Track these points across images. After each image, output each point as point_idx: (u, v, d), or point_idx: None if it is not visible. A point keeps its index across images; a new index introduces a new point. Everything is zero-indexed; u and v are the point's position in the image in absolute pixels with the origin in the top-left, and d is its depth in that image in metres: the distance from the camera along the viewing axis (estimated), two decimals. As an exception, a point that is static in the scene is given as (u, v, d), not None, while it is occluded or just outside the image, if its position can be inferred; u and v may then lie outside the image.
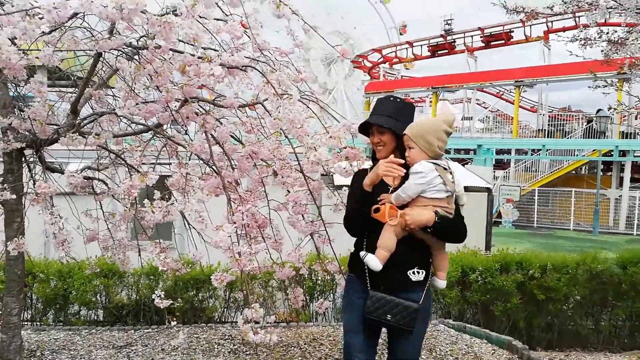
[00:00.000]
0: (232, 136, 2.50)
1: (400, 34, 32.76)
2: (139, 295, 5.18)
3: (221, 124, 2.38)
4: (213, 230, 2.16)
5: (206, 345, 3.93)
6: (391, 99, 2.15)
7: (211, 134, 2.32)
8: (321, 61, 32.04)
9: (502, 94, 28.36)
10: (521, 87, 21.23)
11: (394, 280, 2.01)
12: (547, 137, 21.07)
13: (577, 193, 18.05)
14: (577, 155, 18.09)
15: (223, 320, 5.07)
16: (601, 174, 17.85)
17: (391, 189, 2.06)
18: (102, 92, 2.41)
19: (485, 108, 29.53)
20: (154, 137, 2.74)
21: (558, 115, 24.19)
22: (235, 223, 2.17)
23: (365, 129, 2.18)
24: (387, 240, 1.94)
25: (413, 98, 28.87)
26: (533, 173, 19.91)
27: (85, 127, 2.63)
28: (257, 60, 2.36)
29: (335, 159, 2.35)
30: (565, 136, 20.81)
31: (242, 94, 2.55)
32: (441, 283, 2.09)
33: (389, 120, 2.05)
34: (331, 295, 4.97)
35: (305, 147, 2.06)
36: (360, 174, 2.18)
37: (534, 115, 26.35)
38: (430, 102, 25.00)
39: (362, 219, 2.07)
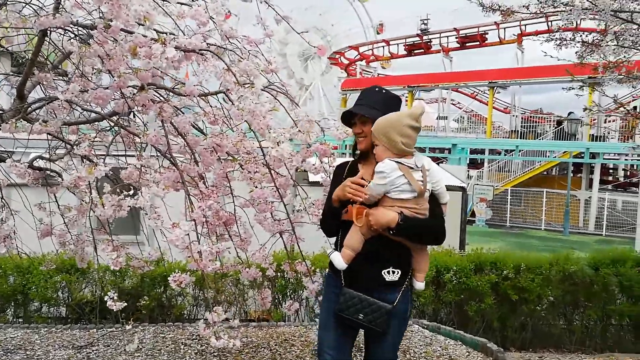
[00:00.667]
0: (193, 126, 2.33)
1: (378, 33, 32.77)
2: (103, 292, 4.96)
3: (182, 113, 2.21)
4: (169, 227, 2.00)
5: (172, 346, 3.75)
6: (376, 89, 2.04)
7: (171, 124, 2.15)
8: (298, 57, 31.83)
9: (477, 95, 28.67)
10: (495, 88, 21.48)
11: (368, 279, 1.93)
12: (520, 138, 21.38)
13: (549, 193, 18.36)
14: (548, 156, 18.38)
15: (192, 318, 4.89)
16: (571, 175, 18.20)
17: (366, 184, 1.95)
18: (49, 75, 2.21)
19: (460, 108, 29.85)
20: (111, 127, 2.55)
21: (530, 117, 24.57)
22: (194, 220, 2.02)
23: (347, 119, 2.10)
24: (352, 239, 1.88)
25: (389, 96, 28.99)
26: (506, 173, 20.17)
27: (35, 114, 2.42)
28: (224, 49, 2.20)
29: (304, 154, 2.22)
30: (537, 137, 21.15)
31: (207, 84, 2.39)
32: (419, 285, 1.99)
33: (371, 111, 1.95)
34: (303, 294, 4.84)
35: (267, 141, 1.92)
36: (340, 171, 2.12)
37: (506, 117, 26.74)
38: (406, 101, 25.09)
39: (336, 222, 2.04)
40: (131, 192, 2.16)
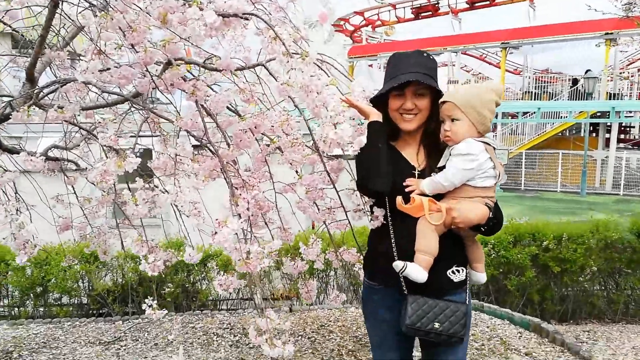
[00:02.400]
0: (228, 107, 2.05)
1: (382, -3, 31.74)
2: (124, 280, 4.80)
3: (214, 91, 1.93)
4: (213, 223, 1.75)
5: (204, 337, 3.57)
6: (424, 54, 1.67)
7: (202, 105, 1.87)
8: (302, 25, 30.95)
9: (485, 57, 27.88)
10: (507, 49, 20.77)
11: (434, 283, 1.57)
12: (533, 99, 20.80)
13: (564, 155, 17.96)
14: (565, 117, 17.85)
15: (218, 304, 4.72)
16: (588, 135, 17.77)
17: (417, 171, 1.64)
18: (62, 54, 1.93)
19: (468, 72, 29.11)
20: (132, 110, 2.28)
21: (541, 77, 23.90)
22: (239, 215, 1.76)
23: (381, 96, 1.68)
24: (430, 242, 1.52)
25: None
26: (519, 136, 19.72)
27: (47, 98, 2.15)
28: (255, 15, 1.90)
29: (355, 133, 1.92)
30: (550, 98, 20.56)
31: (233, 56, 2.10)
32: (481, 277, 1.69)
33: (431, 81, 1.59)
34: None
35: (322, 122, 1.63)
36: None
37: (516, 78, 26.02)
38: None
39: (380, 170, 1.57)
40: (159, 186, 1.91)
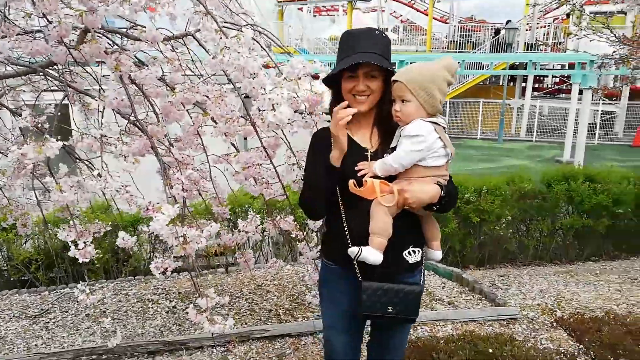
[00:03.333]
0: (161, 80, 1.93)
1: None
2: (48, 245, 4.57)
3: (141, 64, 1.81)
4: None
5: (138, 305, 3.53)
6: (377, 32, 1.64)
7: (130, 79, 1.75)
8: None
9: (414, 4, 27.97)
10: (435, -4, 20.96)
11: (389, 265, 1.58)
12: (458, 48, 21.36)
13: (485, 104, 18.83)
14: (489, 67, 18.51)
15: (149, 270, 4.63)
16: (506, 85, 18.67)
17: (370, 153, 1.65)
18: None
19: (397, 18, 29.11)
20: (49, 84, 2.09)
21: (466, 26, 24.44)
22: (174, 197, 1.72)
23: (333, 76, 1.65)
24: (382, 222, 1.53)
25: (324, 6, 27.67)
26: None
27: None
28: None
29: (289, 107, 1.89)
30: (474, 47, 21.21)
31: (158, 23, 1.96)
32: (438, 254, 1.74)
33: (385, 62, 1.57)
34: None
35: (261, 105, 1.59)
36: (321, 135, 1.72)
37: (442, 26, 26.45)
38: (345, 11, 24.03)
39: (324, 200, 1.67)
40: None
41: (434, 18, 24.08)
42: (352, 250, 1.54)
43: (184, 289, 3.78)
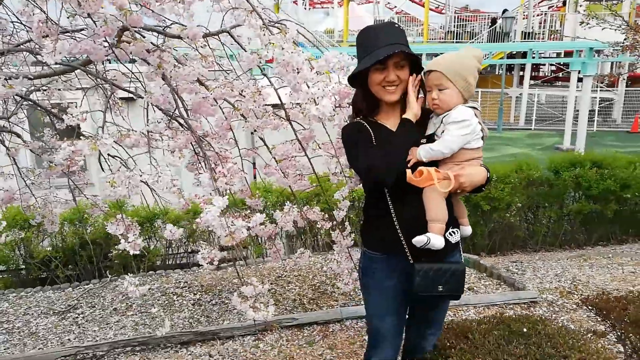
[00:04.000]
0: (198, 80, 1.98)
1: None
2: (65, 244, 4.63)
3: (180, 63, 1.86)
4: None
5: (163, 298, 3.59)
6: (396, 25, 1.73)
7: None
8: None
9: (409, -6, 27.93)
10: (431, -14, 20.96)
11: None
12: (455, 39, 21.38)
13: (483, 93, 18.90)
14: (486, 57, 18.59)
15: (167, 265, 4.70)
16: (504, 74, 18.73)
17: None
18: None
19: (391, 9, 29.09)
20: (95, 85, 2.13)
21: (462, 16, 24.45)
22: (217, 189, 1.78)
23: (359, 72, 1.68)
24: (440, 209, 1.60)
25: (318, -1, 27.63)
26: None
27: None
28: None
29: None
30: (471, 37, 21.24)
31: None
32: (468, 229, 1.84)
33: (412, 52, 1.64)
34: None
35: (302, 99, 1.65)
36: (356, 128, 1.73)
37: (437, 16, 26.44)
38: (340, 3, 24.00)
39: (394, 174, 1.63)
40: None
41: (430, 9, 24.09)
42: (420, 240, 1.58)
43: (206, 282, 3.85)
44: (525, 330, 1.93)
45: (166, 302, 3.53)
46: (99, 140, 1.59)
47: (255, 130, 2.07)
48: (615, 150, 6.13)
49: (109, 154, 2.53)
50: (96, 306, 3.54)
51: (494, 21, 20.13)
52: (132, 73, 2.01)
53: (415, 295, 1.69)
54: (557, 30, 20.04)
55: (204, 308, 3.37)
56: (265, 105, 2.00)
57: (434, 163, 1.68)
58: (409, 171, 1.62)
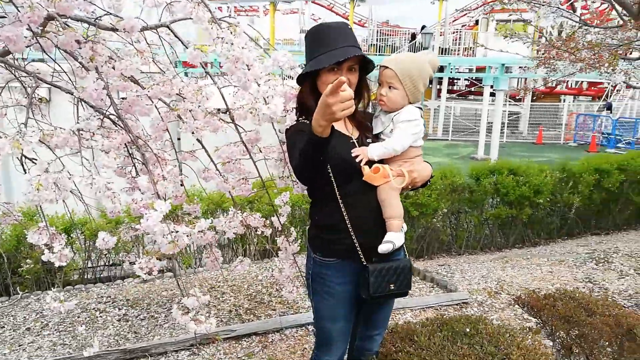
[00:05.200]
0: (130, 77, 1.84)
1: None
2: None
3: (117, 56, 1.71)
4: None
5: (84, 315, 3.30)
6: (348, 26, 1.72)
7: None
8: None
9: (333, 7, 28.58)
10: (355, 1, 21.56)
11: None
12: (378, 52, 22.11)
13: (404, 105, 19.67)
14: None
15: (86, 279, 4.35)
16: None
17: (354, 139, 1.68)
18: None
19: (315, 20, 29.60)
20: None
21: (383, 30, 25.38)
22: (157, 194, 1.67)
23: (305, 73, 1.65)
24: (399, 205, 1.64)
25: (243, 7, 27.43)
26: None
27: None
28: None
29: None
30: (393, 51, 22.08)
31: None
32: (405, 227, 1.77)
33: (367, 56, 1.65)
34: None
35: (253, 97, 1.58)
36: (298, 128, 1.67)
37: (359, 29, 27.26)
38: (265, 12, 23.97)
39: (319, 167, 1.57)
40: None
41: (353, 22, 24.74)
42: (386, 248, 1.59)
43: (132, 296, 3.60)
44: (467, 330, 1.98)
45: (87, 319, 3.24)
46: (22, 138, 1.42)
47: (193, 133, 1.96)
48: (523, 160, 6.61)
49: (24, 156, 2.29)
50: (6, 326, 3.18)
51: (413, 36, 21.09)
52: (55, 70, 1.82)
53: (366, 297, 1.67)
54: (474, 45, 21.39)
55: (131, 324, 3.14)
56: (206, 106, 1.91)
57: (380, 162, 1.69)
58: (366, 168, 1.62)
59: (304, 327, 2.95)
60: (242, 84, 1.57)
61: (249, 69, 1.53)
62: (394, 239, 1.62)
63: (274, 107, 1.56)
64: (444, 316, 2.23)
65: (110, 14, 1.73)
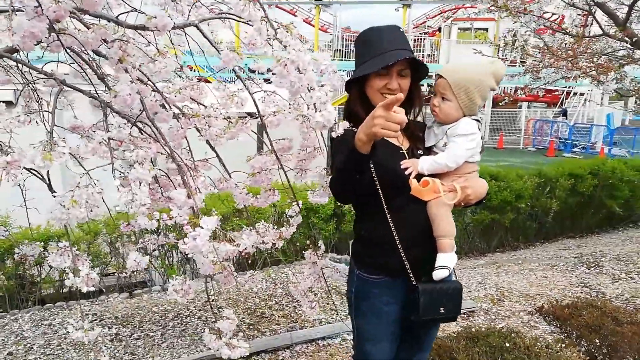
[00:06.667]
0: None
1: None
2: None
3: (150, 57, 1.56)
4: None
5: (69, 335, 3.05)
6: (401, 29, 1.63)
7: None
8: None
9: (296, 12, 28.57)
10: (321, 6, 21.60)
11: (434, 264, 1.52)
12: (343, 57, 22.22)
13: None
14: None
15: (62, 295, 4.05)
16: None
17: (404, 150, 1.60)
18: None
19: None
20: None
21: (346, 35, 25.54)
22: (192, 208, 1.52)
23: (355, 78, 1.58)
24: (451, 223, 1.51)
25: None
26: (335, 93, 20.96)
27: None
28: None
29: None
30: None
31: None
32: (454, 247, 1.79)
33: (421, 61, 1.56)
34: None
35: (305, 104, 1.46)
36: (348, 135, 1.52)
37: (323, 35, 27.39)
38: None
39: (356, 185, 1.49)
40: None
41: (313, 26, 24.81)
42: (442, 275, 1.48)
43: (120, 313, 3.37)
44: (507, 345, 1.93)
45: (75, 340, 2.99)
46: (53, 149, 1.25)
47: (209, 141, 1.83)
48: (497, 164, 6.74)
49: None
50: (-19, 352, 2.89)
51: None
52: (87, 72, 1.64)
53: (415, 319, 1.55)
54: (431, 54, 21.83)
55: (125, 344, 2.92)
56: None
57: (432, 176, 1.61)
58: (414, 181, 1.52)
59: (314, 343, 2.83)
60: (294, 90, 1.45)
61: (300, 73, 1.42)
62: (447, 261, 1.51)
63: (327, 113, 1.45)
64: (467, 329, 2.18)
65: (137, 11, 1.58)
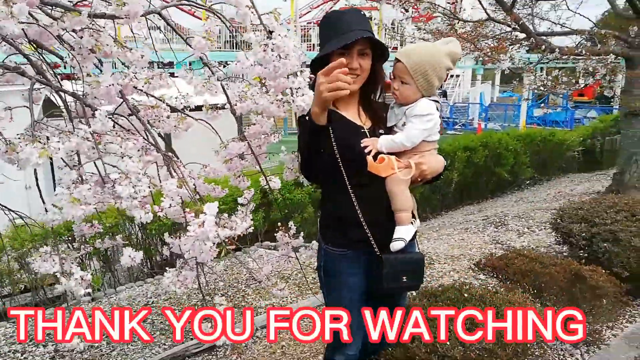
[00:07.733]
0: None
1: None
2: None
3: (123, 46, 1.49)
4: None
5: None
6: (361, 12, 1.68)
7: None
8: None
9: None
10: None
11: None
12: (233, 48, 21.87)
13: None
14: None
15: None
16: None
17: (366, 129, 1.67)
18: None
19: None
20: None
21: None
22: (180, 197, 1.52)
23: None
24: (408, 197, 1.59)
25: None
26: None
27: None
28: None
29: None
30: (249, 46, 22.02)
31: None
32: (417, 222, 1.75)
33: (379, 40, 1.61)
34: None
35: (283, 88, 1.50)
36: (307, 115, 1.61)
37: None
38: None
39: (319, 163, 1.60)
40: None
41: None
42: (398, 246, 1.56)
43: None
44: (465, 295, 2.16)
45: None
46: (47, 144, 1.17)
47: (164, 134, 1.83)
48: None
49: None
50: None
51: (270, 33, 21.29)
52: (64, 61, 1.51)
53: (378, 289, 1.65)
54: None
55: (70, 359, 2.73)
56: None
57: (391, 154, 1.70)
58: (370, 158, 1.59)
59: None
60: (276, 75, 1.48)
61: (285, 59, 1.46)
62: (403, 234, 1.59)
63: (308, 98, 1.51)
64: (421, 291, 2.37)
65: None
